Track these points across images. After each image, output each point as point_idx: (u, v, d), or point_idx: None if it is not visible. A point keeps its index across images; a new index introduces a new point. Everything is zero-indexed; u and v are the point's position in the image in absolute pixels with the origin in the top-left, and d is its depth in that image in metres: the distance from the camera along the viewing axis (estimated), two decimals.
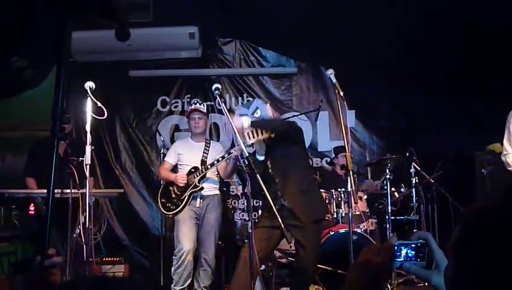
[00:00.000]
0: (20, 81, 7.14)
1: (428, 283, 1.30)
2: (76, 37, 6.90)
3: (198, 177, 5.36)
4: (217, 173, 5.55)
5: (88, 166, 3.55)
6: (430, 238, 1.34)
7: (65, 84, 1.73)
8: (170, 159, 5.62)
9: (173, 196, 5.42)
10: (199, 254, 5.42)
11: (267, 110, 4.41)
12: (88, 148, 3.58)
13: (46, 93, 7.33)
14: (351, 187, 3.45)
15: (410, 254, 1.34)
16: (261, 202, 6.88)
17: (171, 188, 5.48)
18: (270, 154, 4.45)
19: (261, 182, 3.56)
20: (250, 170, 3.64)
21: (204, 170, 5.37)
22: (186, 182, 5.36)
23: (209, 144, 5.64)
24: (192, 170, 5.44)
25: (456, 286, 1.05)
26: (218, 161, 5.30)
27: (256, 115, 4.32)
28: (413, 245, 1.34)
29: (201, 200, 5.39)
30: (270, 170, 4.40)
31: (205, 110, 5.69)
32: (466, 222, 1.04)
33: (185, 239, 5.27)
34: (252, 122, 4.13)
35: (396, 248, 1.33)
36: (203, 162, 5.46)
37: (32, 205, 5.22)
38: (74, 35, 6.90)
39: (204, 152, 5.53)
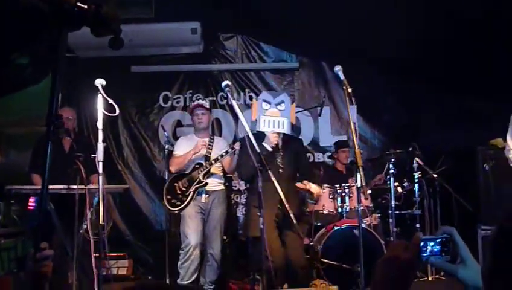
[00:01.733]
0: (22, 78, 7.12)
1: (455, 276, 1.33)
2: (77, 32, 6.92)
3: (202, 173, 5.39)
4: (221, 168, 5.58)
5: (101, 163, 3.55)
6: (454, 233, 1.36)
7: (59, 92, 1.78)
8: (179, 151, 5.61)
9: (178, 192, 5.44)
10: (205, 249, 5.45)
11: (290, 109, 4.45)
12: (100, 145, 3.58)
13: (48, 90, 7.31)
14: (361, 183, 3.46)
15: (435, 249, 1.36)
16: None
17: (176, 184, 5.50)
18: (282, 152, 4.51)
19: (273, 178, 3.59)
20: (261, 167, 3.65)
21: (208, 166, 5.40)
22: (204, 145, 5.38)
23: (213, 139, 5.66)
24: (197, 165, 5.46)
25: (495, 284, 1.07)
26: (222, 156, 5.33)
27: (279, 108, 4.37)
28: (438, 240, 1.36)
29: (207, 196, 5.42)
30: (279, 165, 4.46)
31: (208, 106, 5.71)
32: (504, 221, 1.06)
33: (192, 234, 5.31)
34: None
35: (422, 243, 1.36)
36: (207, 158, 5.49)
37: (31, 199, 5.22)
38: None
39: (208, 148, 5.56)
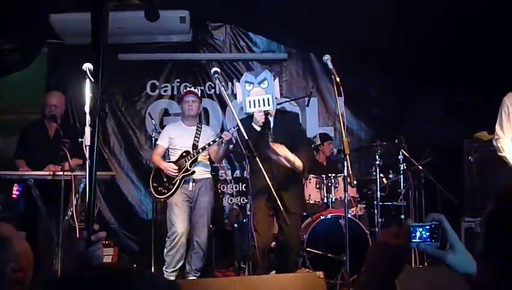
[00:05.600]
0: (7, 63, 7.07)
1: (443, 262, 1.35)
2: (64, 19, 6.89)
3: (189, 161, 5.39)
4: (208, 156, 5.58)
5: (88, 147, 3.52)
6: (443, 220, 1.38)
7: (103, 65, 1.76)
8: (162, 142, 5.62)
9: (165, 179, 5.44)
10: (191, 237, 5.46)
11: (274, 85, 4.44)
12: (87, 129, 3.56)
13: (35, 76, 7.27)
14: (348, 171, 3.49)
15: (425, 235, 1.38)
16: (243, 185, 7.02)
17: (162, 172, 5.50)
18: (272, 129, 4.50)
19: (261, 165, 3.60)
20: (249, 153, 3.66)
21: (195, 154, 5.40)
22: (176, 172, 5.37)
23: (201, 128, 5.65)
24: (184, 154, 5.46)
25: (485, 259, 1.10)
26: (209, 144, 5.33)
27: (262, 86, 4.36)
28: (427, 227, 1.38)
29: (194, 184, 5.42)
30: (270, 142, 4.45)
31: (199, 94, 5.72)
32: (497, 198, 1.09)
33: (178, 222, 5.31)
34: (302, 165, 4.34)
35: (412, 229, 1.38)
36: (195, 146, 5.48)
37: (15, 187, 5.18)
38: (63, 17, 6.77)
39: (195, 136, 5.55)
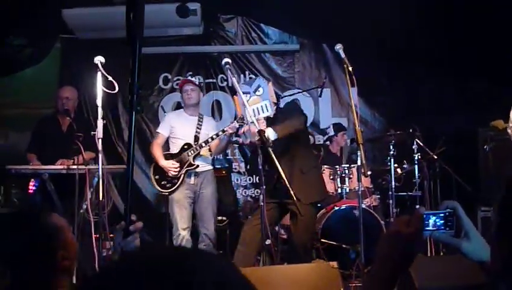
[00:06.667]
0: (20, 59, 7.12)
1: (458, 251, 1.32)
2: (77, 14, 6.90)
3: (192, 155, 5.34)
4: (209, 148, 5.51)
5: (100, 140, 3.54)
6: (458, 207, 1.35)
7: (140, 59, 1.77)
8: (163, 130, 5.56)
9: (167, 173, 5.38)
10: (199, 230, 5.43)
11: (269, 89, 4.40)
12: (100, 122, 3.57)
13: (47, 71, 7.31)
14: (361, 161, 3.47)
15: (439, 223, 1.35)
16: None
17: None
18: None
19: (273, 155, 3.58)
20: (262, 144, 3.65)
21: (198, 148, 5.33)
22: (177, 170, 5.34)
23: (202, 118, 5.60)
24: (185, 146, 5.39)
25: (497, 241, 1.08)
26: (212, 138, 5.27)
27: (258, 93, 4.32)
28: (441, 214, 1.36)
29: (196, 177, 5.39)
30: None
31: (197, 82, 5.69)
32: (508, 186, 1.07)
33: (180, 219, 5.28)
34: (276, 130, 4.16)
35: (425, 217, 1.35)
36: (196, 138, 5.43)
37: (32, 183, 5.22)
38: (75, 11, 6.76)
39: (197, 127, 5.49)
